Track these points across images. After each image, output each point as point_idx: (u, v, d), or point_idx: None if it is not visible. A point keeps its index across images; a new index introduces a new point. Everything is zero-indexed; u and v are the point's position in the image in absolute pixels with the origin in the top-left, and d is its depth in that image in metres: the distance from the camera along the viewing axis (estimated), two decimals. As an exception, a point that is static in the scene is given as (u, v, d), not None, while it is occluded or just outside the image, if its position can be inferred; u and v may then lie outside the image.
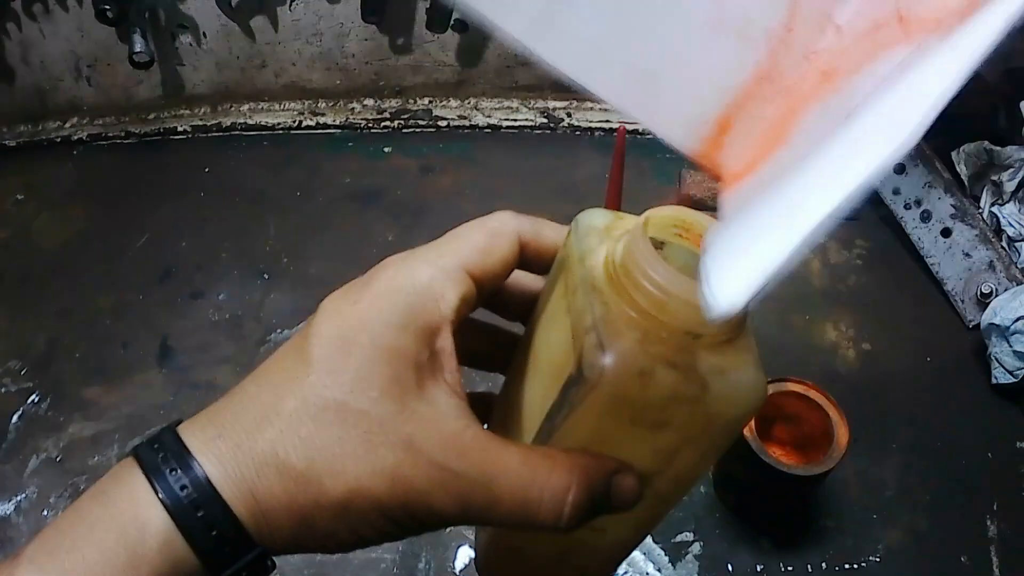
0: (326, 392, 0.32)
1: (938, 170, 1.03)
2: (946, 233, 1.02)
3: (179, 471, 0.32)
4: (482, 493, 0.33)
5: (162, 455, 0.32)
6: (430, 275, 0.35)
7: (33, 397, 0.91)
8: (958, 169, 1.04)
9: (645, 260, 0.32)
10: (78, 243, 1.09)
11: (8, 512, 0.80)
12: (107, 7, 1.04)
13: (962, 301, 0.99)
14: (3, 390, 0.92)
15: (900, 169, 1.07)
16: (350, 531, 0.33)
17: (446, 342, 0.35)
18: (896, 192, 1.07)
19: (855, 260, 1.07)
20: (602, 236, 0.37)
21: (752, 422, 0.73)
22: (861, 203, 1.11)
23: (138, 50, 1.09)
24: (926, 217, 1.04)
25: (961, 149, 1.04)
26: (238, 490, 0.32)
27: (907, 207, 1.06)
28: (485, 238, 0.37)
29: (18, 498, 0.81)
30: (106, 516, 0.32)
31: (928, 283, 1.03)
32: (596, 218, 0.38)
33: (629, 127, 1.24)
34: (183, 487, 0.31)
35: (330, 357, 0.33)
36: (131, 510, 0.32)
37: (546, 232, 0.39)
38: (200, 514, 0.31)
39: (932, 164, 1.04)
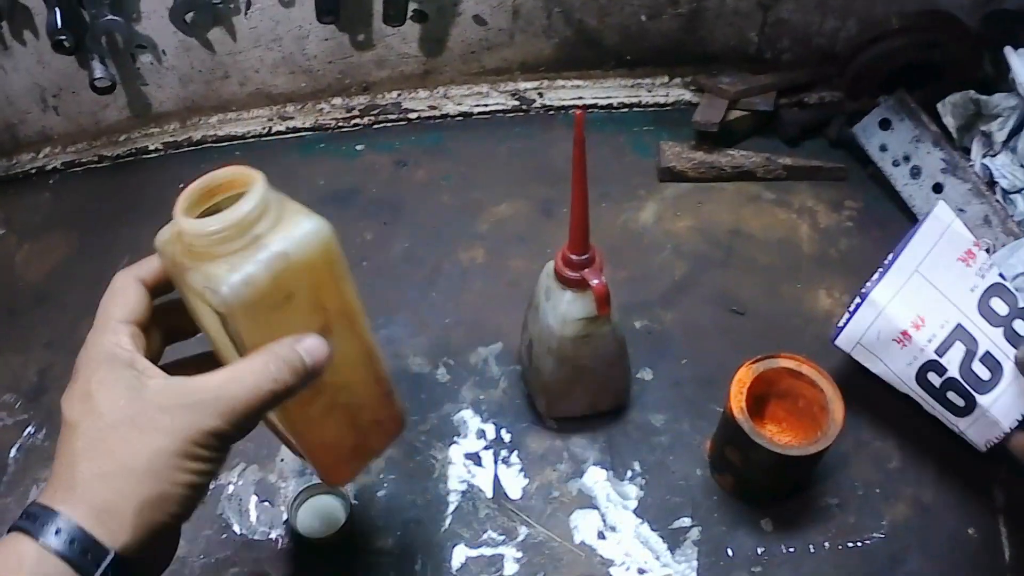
0: (96, 423, 0.46)
1: (924, 123, 1.02)
2: (937, 189, 1.01)
3: (42, 518, 0.44)
4: (223, 401, 0.47)
5: (29, 517, 0.44)
6: (104, 339, 0.50)
7: (29, 429, 0.91)
8: (944, 121, 1.02)
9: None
10: (61, 272, 1.09)
11: (12, 545, 0.81)
12: (62, 38, 1.04)
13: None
14: (0, 424, 0.92)
15: (886, 124, 1.06)
16: (172, 484, 0.46)
17: (142, 363, 0.49)
18: (883, 148, 1.06)
19: (845, 222, 1.07)
20: (169, 237, 0.50)
21: (743, 402, 0.73)
22: (846, 162, 1.11)
23: (98, 76, 1.09)
24: (916, 173, 1.03)
25: (946, 100, 1.02)
26: (82, 511, 0.44)
27: (896, 164, 1.05)
28: (119, 297, 0.52)
29: (21, 530, 0.82)
30: None
31: (921, 242, 1.02)
32: (162, 234, 0.51)
33: (601, 103, 1.24)
34: (43, 524, 0.43)
35: (82, 408, 0.47)
36: (10, 552, 0.43)
37: (152, 264, 0.53)
38: (63, 536, 0.43)
39: (918, 117, 1.02)
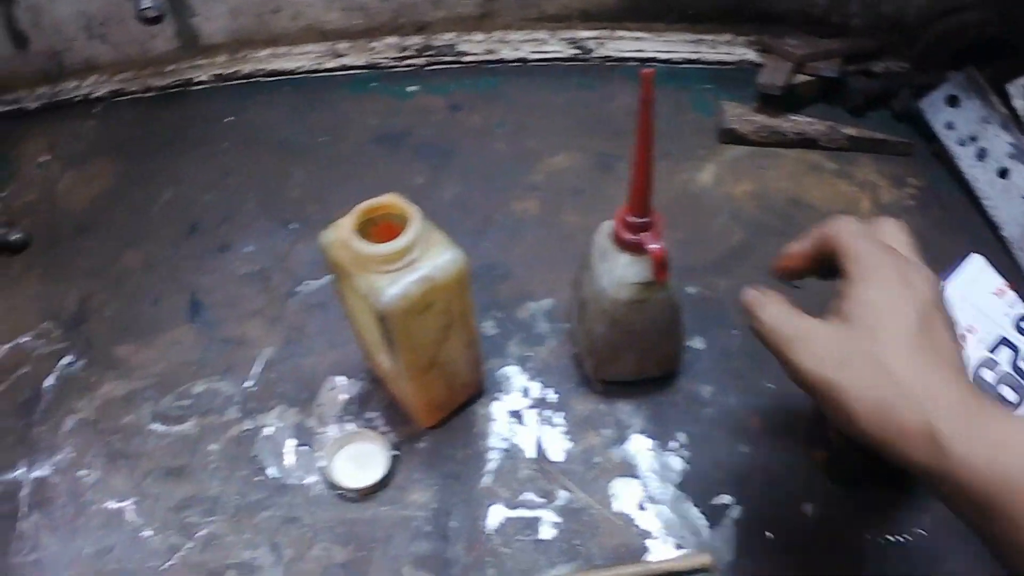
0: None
1: (993, 104, 0.96)
2: (1003, 174, 0.95)
3: None
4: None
5: None
6: None
7: (67, 358, 0.89)
8: (1014, 104, 0.96)
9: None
10: (104, 201, 1.07)
11: (47, 474, 0.79)
12: (112, -38, 1.01)
13: (1021, 249, 0.92)
14: (37, 352, 0.90)
15: (953, 101, 1.00)
16: None
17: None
18: (949, 126, 1.01)
19: (907, 200, 1.02)
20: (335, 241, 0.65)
21: None
22: (911, 137, 1.06)
23: (146, 5, 1.06)
24: (982, 155, 0.97)
25: (1017, 82, 0.96)
26: None
27: (961, 143, 1.00)
28: None
29: (55, 459, 0.80)
30: None
31: (983, 227, 0.97)
32: (326, 235, 0.66)
33: (661, 57, 1.20)
34: None
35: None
36: None
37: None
38: None
39: (987, 97, 0.97)
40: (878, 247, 0.55)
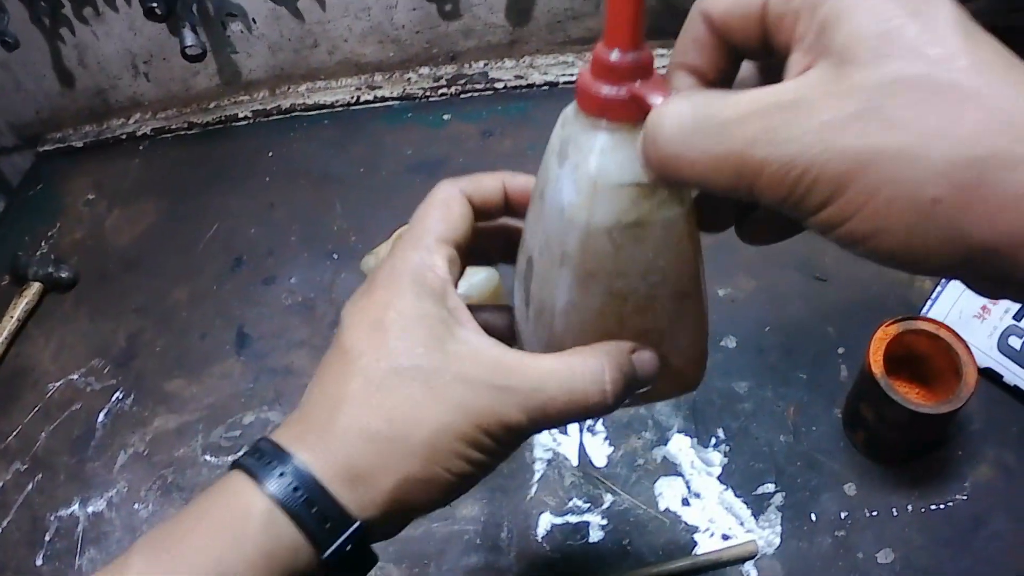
0: (380, 364, 0.38)
1: None
2: None
3: (275, 462, 0.36)
4: (537, 397, 0.38)
5: (258, 455, 0.37)
6: (416, 256, 0.41)
7: (118, 394, 0.92)
8: None
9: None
10: (150, 238, 1.10)
11: (101, 508, 0.82)
12: (154, 4, 1.04)
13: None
14: (89, 389, 0.93)
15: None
16: (444, 470, 0.37)
17: (454, 300, 0.40)
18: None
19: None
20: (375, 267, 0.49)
21: (881, 360, 0.72)
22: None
23: (189, 43, 1.09)
24: None
25: None
26: (332, 469, 0.36)
27: None
28: (441, 210, 0.43)
29: (109, 494, 0.83)
30: (212, 509, 0.37)
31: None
32: (367, 261, 0.64)
33: None
34: (281, 474, 0.36)
35: (369, 339, 0.39)
36: (235, 502, 0.36)
37: (485, 182, 0.44)
38: (300, 494, 0.36)
39: None
40: None
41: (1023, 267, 0.26)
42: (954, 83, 0.26)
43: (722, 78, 0.37)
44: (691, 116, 0.31)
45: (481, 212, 0.44)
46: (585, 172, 0.37)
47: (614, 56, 0.35)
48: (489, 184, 0.44)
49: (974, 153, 0.26)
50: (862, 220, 0.28)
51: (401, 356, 0.38)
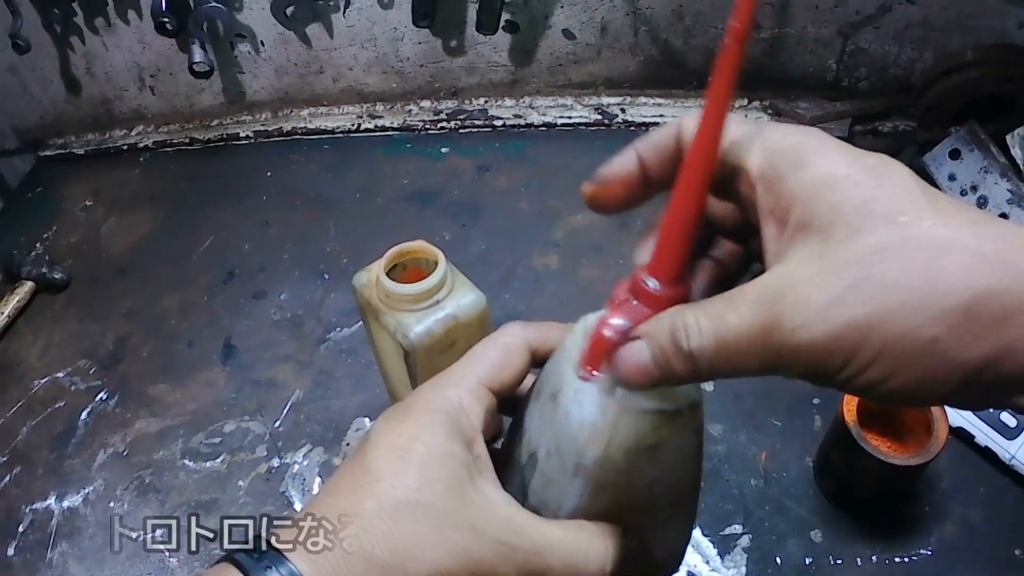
0: (397, 493, 0.38)
1: (993, 154, 1.01)
2: (1003, 218, 0.99)
3: (273, 568, 0.36)
4: (536, 561, 0.38)
5: (256, 555, 0.37)
6: (458, 395, 0.41)
7: (102, 395, 0.93)
8: (1012, 153, 1.01)
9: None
10: (145, 246, 1.12)
11: (77, 503, 0.82)
12: (166, 20, 1.07)
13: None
14: (73, 388, 0.94)
15: (955, 155, 1.05)
16: None
17: (481, 448, 0.41)
18: (951, 178, 1.05)
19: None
20: (367, 283, 0.67)
21: (855, 409, 0.73)
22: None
23: (198, 60, 1.12)
24: (982, 203, 1.01)
25: (1016, 132, 1.01)
26: None
27: (963, 193, 1.04)
28: (500, 355, 0.43)
29: (86, 491, 0.83)
30: None
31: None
32: (359, 278, 0.68)
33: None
34: None
35: (393, 465, 0.39)
36: None
37: (552, 336, 0.45)
38: None
39: (987, 148, 1.02)
40: (792, 128, 0.36)
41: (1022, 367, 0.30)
42: (927, 241, 0.31)
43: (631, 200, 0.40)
44: (712, 329, 0.34)
45: (536, 361, 0.45)
46: (611, 396, 0.39)
47: (654, 284, 0.37)
48: (555, 339, 0.44)
49: (957, 293, 0.30)
50: (875, 370, 0.31)
51: (419, 490, 0.38)
